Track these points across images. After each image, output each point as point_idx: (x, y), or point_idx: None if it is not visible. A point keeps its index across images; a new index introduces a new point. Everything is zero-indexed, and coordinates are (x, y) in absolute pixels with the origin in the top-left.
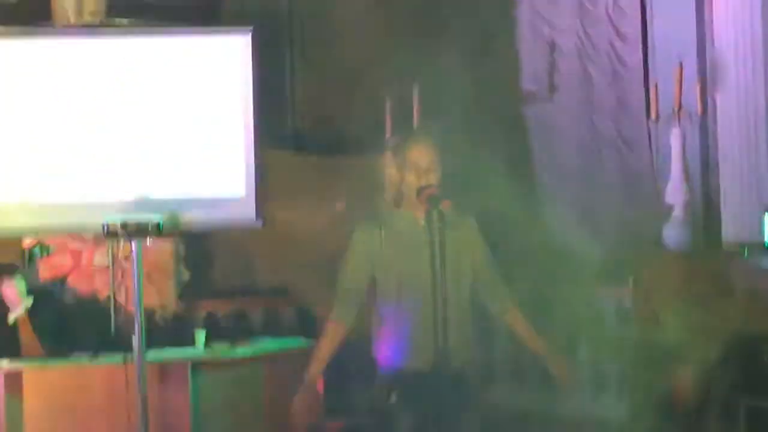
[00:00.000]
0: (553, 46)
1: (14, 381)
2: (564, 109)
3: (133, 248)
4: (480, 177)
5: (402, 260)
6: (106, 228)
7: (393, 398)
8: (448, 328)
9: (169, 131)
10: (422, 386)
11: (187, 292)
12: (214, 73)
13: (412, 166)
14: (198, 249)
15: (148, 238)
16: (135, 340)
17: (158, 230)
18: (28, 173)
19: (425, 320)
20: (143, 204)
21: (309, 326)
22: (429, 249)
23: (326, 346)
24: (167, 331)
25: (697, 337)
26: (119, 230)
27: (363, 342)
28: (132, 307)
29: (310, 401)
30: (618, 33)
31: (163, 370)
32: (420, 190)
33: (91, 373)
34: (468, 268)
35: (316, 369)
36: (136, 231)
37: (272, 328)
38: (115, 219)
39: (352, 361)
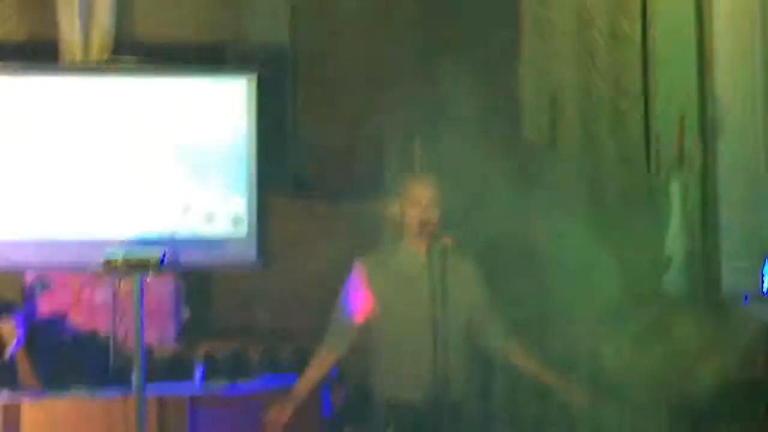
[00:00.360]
0: (554, 100)
1: (13, 413)
2: (565, 162)
3: (134, 284)
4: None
5: (402, 294)
6: (107, 262)
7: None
8: (446, 363)
9: (171, 170)
10: (419, 420)
11: (187, 331)
12: (218, 114)
13: (413, 201)
14: (198, 288)
15: (149, 274)
16: (134, 376)
17: (159, 266)
18: (30, 209)
19: (423, 354)
20: (144, 241)
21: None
22: (429, 284)
23: (314, 371)
24: (166, 368)
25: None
26: (120, 265)
27: (361, 374)
28: (131, 344)
29: (285, 415)
30: (618, 87)
31: (162, 405)
32: (422, 226)
33: (90, 407)
34: (466, 306)
35: (297, 394)
36: (137, 266)
37: (271, 367)
38: (117, 254)
39: (352, 394)
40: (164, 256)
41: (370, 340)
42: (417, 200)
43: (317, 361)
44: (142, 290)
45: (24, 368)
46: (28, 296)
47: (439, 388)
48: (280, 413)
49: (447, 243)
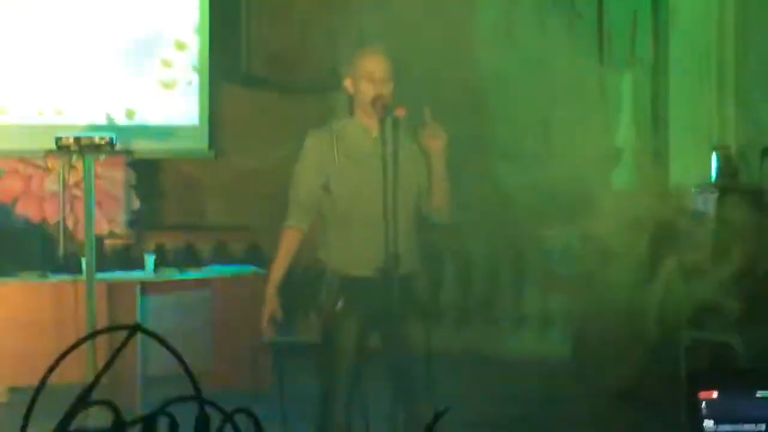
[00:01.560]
0: None
1: None
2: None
3: (85, 166)
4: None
5: (353, 168)
6: (59, 142)
7: (339, 305)
8: (396, 239)
9: (124, 55)
10: (369, 294)
11: (137, 222)
12: (170, 5)
13: (366, 76)
14: (150, 179)
15: (100, 155)
16: (84, 261)
17: (111, 146)
18: None
19: (374, 230)
20: (97, 128)
21: (258, 259)
22: (380, 159)
23: (283, 254)
24: (116, 257)
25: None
26: (72, 144)
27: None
28: (81, 235)
29: (270, 307)
30: None
31: (112, 290)
32: (375, 99)
33: (39, 290)
34: (416, 178)
35: (275, 276)
36: (90, 146)
37: (222, 259)
38: (69, 134)
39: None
40: (115, 139)
41: (321, 214)
42: (369, 75)
43: (283, 242)
44: (92, 174)
45: None
46: None
47: (391, 264)
48: (270, 306)
49: (400, 115)
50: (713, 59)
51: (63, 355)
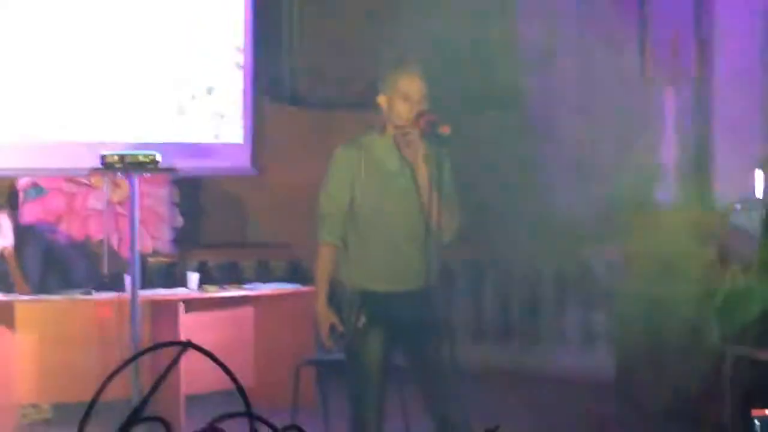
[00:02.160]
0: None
1: (6, 312)
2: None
3: (130, 183)
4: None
5: (378, 183)
6: (103, 160)
7: (362, 321)
8: (422, 257)
9: (169, 75)
10: (391, 309)
11: (181, 240)
12: (214, 22)
13: (402, 95)
14: (193, 196)
15: (145, 173)
16: (128, 278)
17: (155, 165)
18: (25, 113)
19: (396, 242)
20: (141, 146)
21: (300, 276)
22: (404, 175)
23: (321, 270)
24: (159, 274)
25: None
26: (117, 162)
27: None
28: (125, 252)
29: (328, 321)
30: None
31: (155, 308)
32: (419, 115)
33: (83, 308)
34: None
35: (319, 292)
36: (134, 164)
37: (263, 277)
38: (113, 152)
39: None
40: (159, 157)
41: (347, 229)
42: (405, 94)
43: (319, 258)
44: (137, 192)
45: (13, 270)
46: (21, 201)
47: (417, 281)
48: (325, 319)
49: (445, 132)
50: (757, 73)
51: (115, 372)
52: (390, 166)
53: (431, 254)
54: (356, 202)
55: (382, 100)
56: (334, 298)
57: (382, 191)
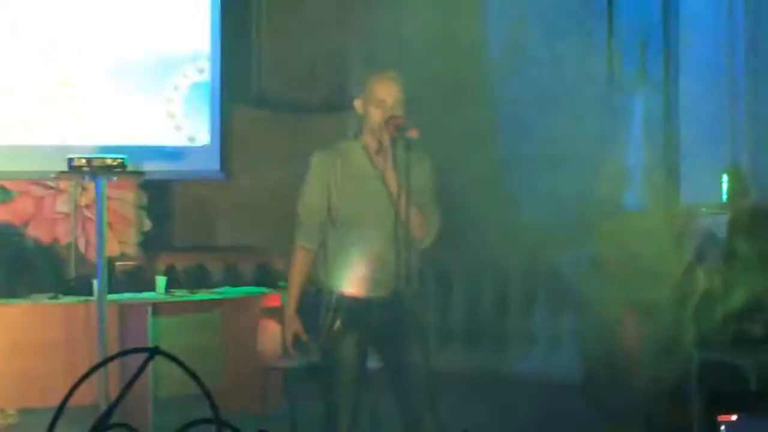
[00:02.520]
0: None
1: None
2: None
3: (97, 187)
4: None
5: (354, 188)
6: (71, 163)
7: (337, 325)
8: (400, 262)
9: (135, 76)
10: (368, 313)
11: (148, 244)
12: (180, 23)
13: (376, 101)
14: (161, 201)
15: (112, 176)
16: (96, 281)
17: (123, 168)
18: None
19: (376, 252)
20: (108, 149)
21: (268, 280)
22: (381, 180)
23: (295, 275)
24: (127, 279)
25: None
26: (84, 165)
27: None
28: (92, 256)
29: (293, 329)
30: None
31: (123, 311)
32: (388, 120)
33: (50, 312)
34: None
35: (291, 298)
36: (101, 167)
37: (232, 281)
38: (81, 156)
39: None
40: (127, 160)
41: (325, 234)
42: (379, 101)
43: (294, 263)
44: (104, 195)
45: None
46: None
47: (394, 286)
48: (291, 327)
49: (413, 136)
50: (724, 77)
51: (83, 378)
52: (365, 171)
53: (408, 259)
54: (333, 208)
55: (358, 104)
56: (308, 303)
57: (358, 196)
